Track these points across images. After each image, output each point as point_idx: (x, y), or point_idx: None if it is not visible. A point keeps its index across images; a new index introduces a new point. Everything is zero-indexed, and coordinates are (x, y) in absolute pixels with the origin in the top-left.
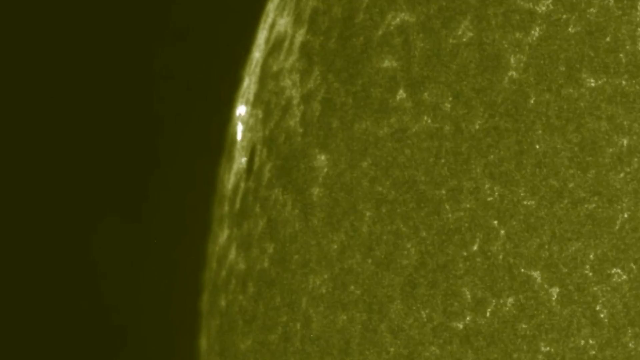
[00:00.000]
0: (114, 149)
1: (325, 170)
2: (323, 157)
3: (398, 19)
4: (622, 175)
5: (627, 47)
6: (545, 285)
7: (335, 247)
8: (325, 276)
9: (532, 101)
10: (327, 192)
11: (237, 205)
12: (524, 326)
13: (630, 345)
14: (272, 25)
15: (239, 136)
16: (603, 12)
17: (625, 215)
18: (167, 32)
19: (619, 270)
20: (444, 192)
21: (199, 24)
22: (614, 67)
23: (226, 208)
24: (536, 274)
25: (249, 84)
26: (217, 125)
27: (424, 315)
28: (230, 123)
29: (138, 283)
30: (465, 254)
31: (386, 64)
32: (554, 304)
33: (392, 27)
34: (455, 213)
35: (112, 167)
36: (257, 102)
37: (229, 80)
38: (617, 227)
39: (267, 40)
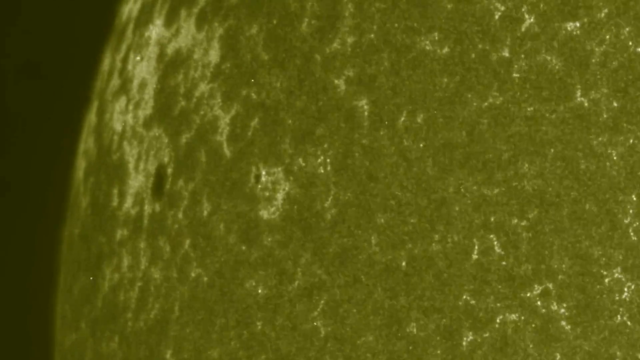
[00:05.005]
0: None
1: (280, 190)
2: (274, 176)
3: (351, 35)
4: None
5: (617, 59)
6: (553, 302)
7: (300, 272)
8: (288, 296)
9: (528, 111)
10: (281, 213)
11: (145, 227)
12: (530, 345)
13: None
14: (165, 41)
15: (131, 153)
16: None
17: (636, 224)
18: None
19: (630, 282)
20: (427, 207)
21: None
22: (605, 81)
23: (121, 232)
24: (543, 288)
25: (137, 101)
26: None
27: (416, 331)
28: (111, 138)
29: None
30: (460, 270)
31: (339, 80)
32: (564, 322)
33: (343, 42)
34: (444, 228)
35: None
36: (159, 118)
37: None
38: (628, 239)
39: (160, 58)
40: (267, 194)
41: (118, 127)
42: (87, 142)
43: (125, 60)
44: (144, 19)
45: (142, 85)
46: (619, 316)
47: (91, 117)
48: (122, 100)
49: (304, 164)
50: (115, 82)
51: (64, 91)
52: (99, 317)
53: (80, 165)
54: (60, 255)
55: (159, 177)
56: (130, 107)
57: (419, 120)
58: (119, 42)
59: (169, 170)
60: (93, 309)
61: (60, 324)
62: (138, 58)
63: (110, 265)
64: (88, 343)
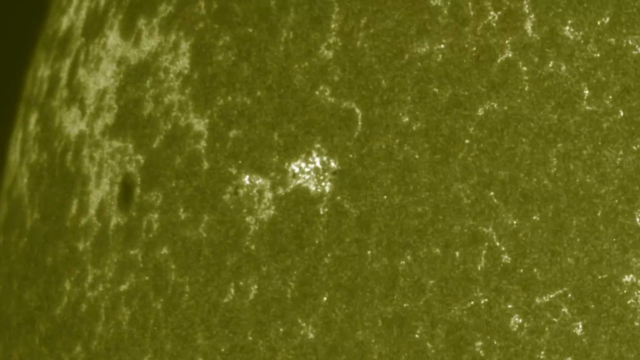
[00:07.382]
0: None
1: (265, 200)
2: (258, 186)
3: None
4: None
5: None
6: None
7: (292, 288)
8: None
9: (529, 114)
10: (267, 222)
11: (112, 237)
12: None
13: None
14: (122, 50)
15: (91, 162)
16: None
17: None
18: None
19: None
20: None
21: None
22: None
23: (83, 244)
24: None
25: (95, 110)
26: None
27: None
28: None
29: None
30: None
31: (325, 86)
32: (578, 333)
33: (329, 47)
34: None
35: None
36: (122, 127)
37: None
38: None
39: (119, 67)
40: (250, 203)
41: (72, 136)
42: (28, 153)
43: (73, 69)
44: (92, 28)
45: (99, 94)
46: (636, 322)
47: (29, 128)
48: (74, 110)
49: (290, 173)
50: (62, 92)
51: None
52: (57, 329)
53: (22, 176)
54: None
55: (126, 186)
56: (86, 117)
57: (414, 126)
58: (61, 52)
59: (138, 179)
60: (50, 322)
61: (5, 335)
62: (92, 66)
63: (70, 277)
64: (44, 356)
